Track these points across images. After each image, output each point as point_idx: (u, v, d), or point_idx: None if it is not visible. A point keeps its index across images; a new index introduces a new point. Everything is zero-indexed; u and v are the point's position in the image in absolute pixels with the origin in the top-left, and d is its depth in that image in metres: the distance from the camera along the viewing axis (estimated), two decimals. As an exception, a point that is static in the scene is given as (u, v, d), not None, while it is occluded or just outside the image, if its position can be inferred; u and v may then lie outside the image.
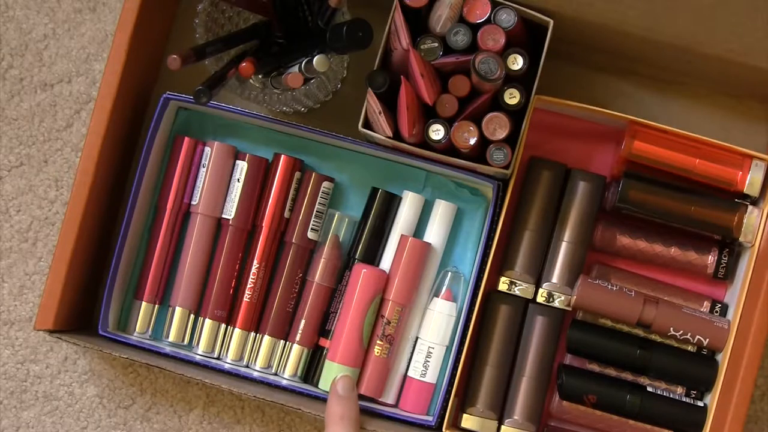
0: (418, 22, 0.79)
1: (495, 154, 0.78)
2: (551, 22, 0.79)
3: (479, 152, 0.79)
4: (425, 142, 0.79)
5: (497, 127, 0.78)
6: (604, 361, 0.85)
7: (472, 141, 0.77)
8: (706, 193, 0.83)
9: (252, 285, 0.84)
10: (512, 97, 0.78)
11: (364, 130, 0.79)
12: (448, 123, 0.78)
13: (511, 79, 0.78)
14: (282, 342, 0.85)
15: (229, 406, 0.89)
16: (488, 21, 0.78)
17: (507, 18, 0.78)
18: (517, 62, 0.78)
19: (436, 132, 0.77)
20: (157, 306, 0.86)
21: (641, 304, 0.83)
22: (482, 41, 0.77)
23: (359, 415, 0.79)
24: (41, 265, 0.90)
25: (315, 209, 0.84)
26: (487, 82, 0.76)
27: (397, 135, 0.78)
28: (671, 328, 0.83)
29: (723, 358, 0.83)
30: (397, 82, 0.77)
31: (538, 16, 0.79)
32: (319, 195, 0.84)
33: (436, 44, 0.78)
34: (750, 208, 0.83)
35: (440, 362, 0.84)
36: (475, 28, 0.78)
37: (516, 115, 0.79)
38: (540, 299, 0.84)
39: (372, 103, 0.78)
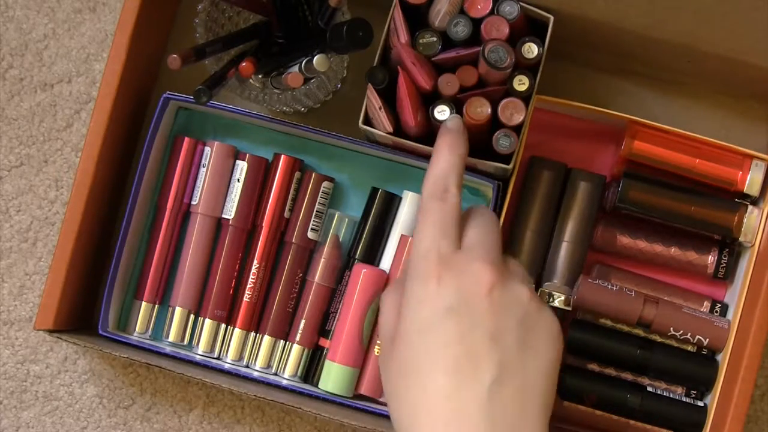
0: (418, 19, 0.79)
1: (502, 140, 0.78)
2: (551, 18, 0.79)
3: (485, 139, 0.78)
4: (426, 135, 0.78)
5: (514, 111, 0.77)
6: (604, 361, 0.85)
7: (488, 111, 0.76)
8: (706, 193, 0.83)
9: (252, 285, 0.84)
10: (521, 83, 0.78)
11: (365, 127, 0.79)
12: (452, 102, 0.77)
13: (523, 66, 0.78)
14: (282, 342, 0.85)
15: (229, 406, 0.89)
16: (491, 14, 0.77)
17: (510, 10, 0.78)
18: (531, 51, 0.78)
19: (442, 113, 0.77)
20: (157, 306, 0.86)
21: (641, 304, 0.83)
22: (486, 32, 0.77)
23: (467, 152, 0.74)
24: (41, 265, 0.90)
25: (315, 209, 0.84)
26: (497, 71, 0.76)
27: (397, 131, 0.78)
28: (671, 328, 0.83)
29: (723, 358, 0.83)
30: (397, 78, 0.77)
31: (539, 12, 0.79)
32: (319, 195, 0.84)
33: (435, 38, 0.78)
34: (750, 208, 0.83)
35: (440, 362, 0.84)
36: (476, 22, 0.77)
37: (525, 102, 0.79)
38: (540, 299, 0.84)
39: (372, 99, 0.78)
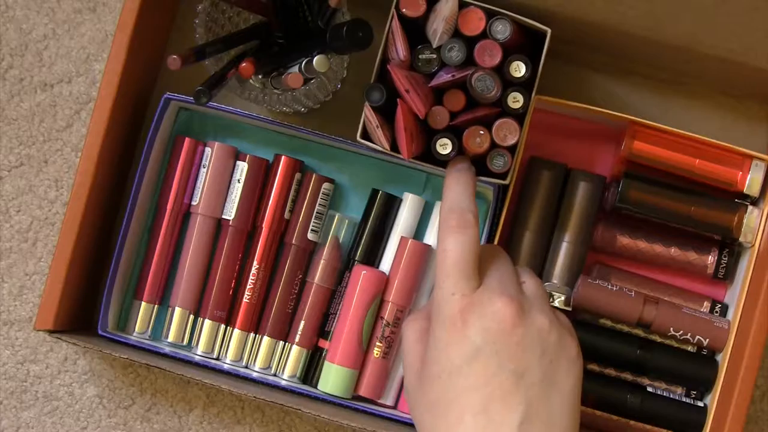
0: (417, 31, 0.78)
1: (496, 160, 0.78)
2: (549, 31, 0.79)
3: (480, 160, 0.78)
4: (425, 153, 0.78)
5: (507, 133, 0.77)
6: (604, 362, 0.85)
7: (486, 145, 0.77)
8: (706, 193, 0.83)
9: (252, 286, 0.84)
10: (515, 101, 0.78)
11: (363, 141, 0.79)
12: (452, 133, 0.77)
13: (514, 84, 0.78)
14: (281, 343, 0.85)
15: (229, 406, 0.89)
16: (483, 33, 0.77)
17: (503, 29, 0.77)
18: (519, 70, 0.77)
19: (444, 146, 0.77)
20: (156, 306, 0.86)
21: (641, 304, 0.83)
22: (479, 57, 0.76)
23: (475, 191, 0.75)
24: (41, 265, 0.90)
25: (315, 210, 0.84)
26: (483, 100, 0.76)
27: (395, 147, 0.78)
28: (671, 329, 0.83)
29: (723, 359, 0.83)
30: (396, 93, 0.76)
31: (536, 25, 0.79)
32: (320, 196, 0.84)
33: (434, 56, 0.77)
34: (750, 208, 0.83)
35: (440, 363, 0.84)
36: (470, 40, 0.77)
37: (520, 119, 0.78)
38: (540, 300, 0.84)
39: (369, 117, 0.77)
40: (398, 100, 0.75)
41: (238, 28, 0.85)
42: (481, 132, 0.77)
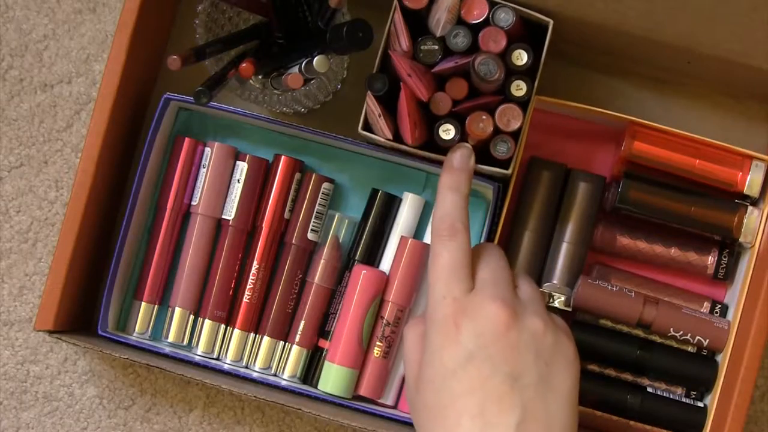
0: (419, 24, 0.79)
1: (499, 146, 0.78)
2: (551, 22, 0.79)
3: (485, 145, 0.78)
4: (426, 143, 0.78)
5: (511, 118, 0.77)
6: (604, 362, 0.85)
7: (489, 129, 0.77)
8: (706, 193, 0.83)
9: (252, 286, 0.84)
10: (519, 89, 0.78)
11: (364, 133, 0.79)
12: (455, 119, 0.77)
13: (516, 73, 0.78)
14: (281, 343, 0.85)
15: (229, 406, 0.89)
16: (486, 21, 0.77)
17: (505, 17, 0.78)
18: (521, 58, 0.77)
19: (447, 131, 0.77)
20: (156, 306, 0.86)
21: (641, 305, 0.83)
22: (483, 43, 0.77)
23: (470, 191, 0.75)
24: (41, 265, 0.90)
25: (315, 210, 0.84)
26: (486, 84, 0.76)
27: (397, 137, 0.78)
28: (671, 329, 0.83)
29: (723, 359, 0.83)
30: (397, 84, 0.77)
31: (538, 17, 0.79)
32: (319, 196, 0.84)
33: (436, 47, 0.77)
34: (750, 208, 0.83)
35: (440, 363, 0.83)
36: (474, 28, 0.77)
37: (523, 107, 0.79)
38: (540, 300, 0.84)
39: (371, 106, 0.77)
40: (401, 84, 0.76)
41: (238, 28, 0.85)
42: (484, 117, 0.77)
